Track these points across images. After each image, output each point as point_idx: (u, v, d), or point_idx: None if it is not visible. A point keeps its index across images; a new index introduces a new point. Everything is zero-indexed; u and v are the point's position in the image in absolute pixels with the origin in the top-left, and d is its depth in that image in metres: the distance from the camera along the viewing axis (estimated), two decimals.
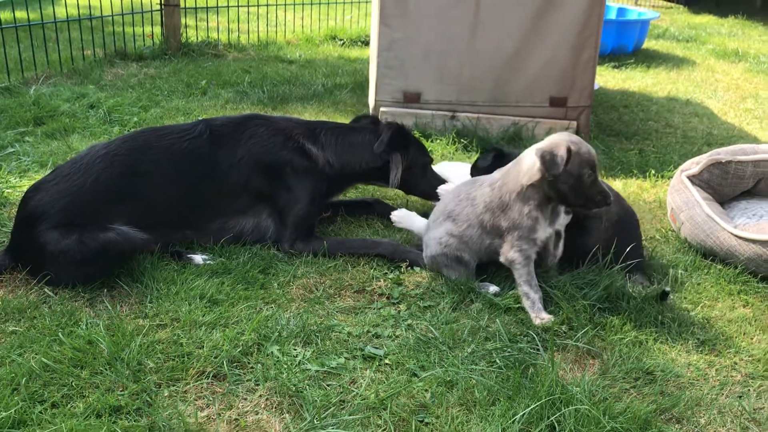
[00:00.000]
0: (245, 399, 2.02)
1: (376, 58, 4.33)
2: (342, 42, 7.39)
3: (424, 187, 3.17)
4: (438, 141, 4.25)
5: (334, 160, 2.95)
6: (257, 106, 4.93)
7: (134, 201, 2.67)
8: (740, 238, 2.75)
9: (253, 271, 2.66)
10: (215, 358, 2.15)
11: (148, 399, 1.98)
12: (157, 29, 6.40)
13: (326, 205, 3.12)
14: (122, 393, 1.98)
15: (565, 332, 2.38)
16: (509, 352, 2.25)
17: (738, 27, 10.10)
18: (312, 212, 2.89)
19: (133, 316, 2.37)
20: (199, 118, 3.33)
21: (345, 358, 2.21)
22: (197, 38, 6.66)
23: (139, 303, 2.45)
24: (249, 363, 2.16)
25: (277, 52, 6.75)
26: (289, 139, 2.88)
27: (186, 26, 6.77)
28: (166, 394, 2.00)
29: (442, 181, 3.16)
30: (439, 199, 2.94)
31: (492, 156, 3.09)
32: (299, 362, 2.17)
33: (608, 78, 6.50)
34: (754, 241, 2.69)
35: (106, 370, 2.07)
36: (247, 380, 2.09)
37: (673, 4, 12.13)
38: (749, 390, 2.14)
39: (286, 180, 2.85)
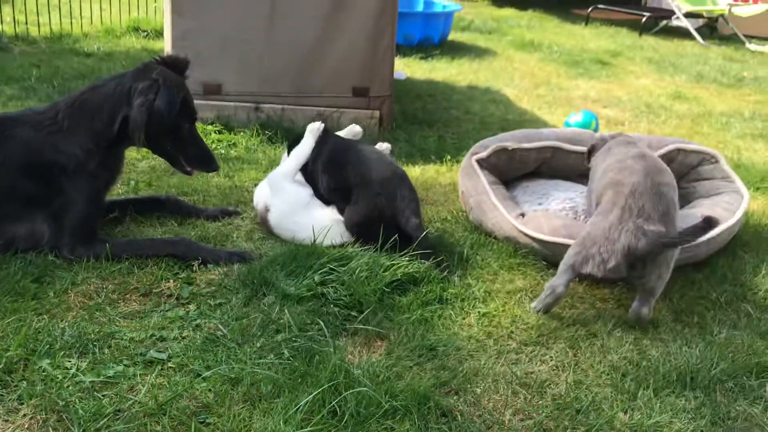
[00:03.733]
0: (6, 420, 1.84)
1: (171, 49, 4.15)
2: (146, 33, 7.03)
3: (174, 149, 2.83)
4: (242, 133, 4.16)
5: (88, 142, 2.65)
6: (45, 102, 4.55)
7: None
8: (521, 232, 2.91)
9: (24, 281, 2.44)
10: None
11: None
12: None
13: (112, 203, 2.94)
14: None
15: (354, 316, 2.41)
16: (298, 342, 2.24)
17: (536, 20, 10.87)
18: (90, 213, 2.69)
19: None
20: None
21: (124, 365, 2.09)
22: None
23: None
24: (13, 381, 1.98)
25: (73, 45, 6.29)
26: (43, 139, 2.62)
27: None
28: None
29: (208, 154, 2.89)
30: (191, 173, 2.94)
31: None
32: (72, 375, 2.02)
33: (416, 69, 6.72)
34: (532, 238, 2.87)
35: None
36: (10, 399, 1.91)
37: None
38: (522, 356, 2.29)
39: (56, 183, 2.62)
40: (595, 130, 4.61)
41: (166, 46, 4.32)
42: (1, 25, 6.31)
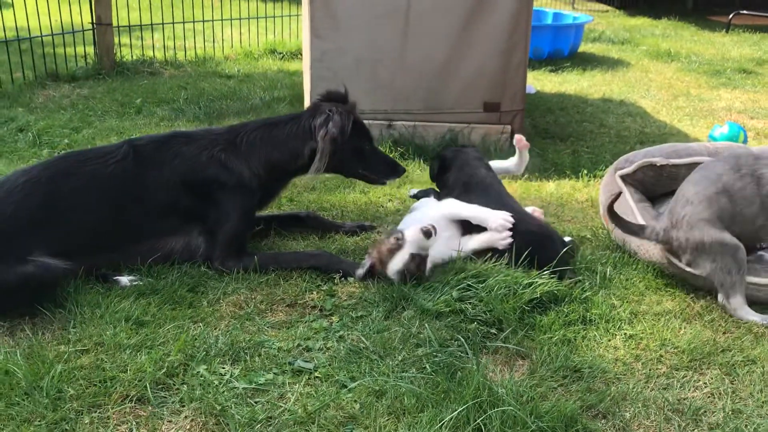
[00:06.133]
0: (170, 421, 1.97)
1: (309, 69, 4.33)
2: (281, 55, 7.37)
3: (364, 168, 3.09)
4: None
5: (259, 168, 2.88)
6: (193, 122, 4.88)
7: (56, 230, 2.59)
8: (670, 261, 2.76)
9: (181, 290, 2.61)
10: (139, 381, 2.09)
11: (67, 427, 1.91)
12: (90, 49, 6.27)
13: (258, 218, 3.09)
14: (39, 423, 1.91)
15: (494, 334, 2.39)
16: (439, 357, 2.24)
17: (671, 28, 10.41)
18: (242, 229, 2.85)
19: (56, 343, 2.29)
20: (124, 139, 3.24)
21: (274, 373, 2.18)
22: (132, 57, 6.56)
23: (62, 329, 2.38)
24: (174, 384, 2.11)
25: (215, 68, 6.69)
26: (213, 155, 2.82)
27: (120, 45, 6.66)
28: (86, 421, 1.94)
29: (392, 162, 3.15)
30: (385, 183, 3.14)
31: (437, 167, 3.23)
32: (227, 381, 2.13)
33: (545, 82, 6.61)
34: (681, 269, 2.71)
35: (23, 400, 1.99)
36: (172, 402, 2.04)
37: (609, 8, 12.44)
38: (674, 381, 2.18)
39: (214, 197, 2.80)
40: (744, 143, 4.34)
41: (304, 66, 4.50)
42: (153, 51, 6.81)
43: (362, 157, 3.05)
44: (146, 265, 2.76)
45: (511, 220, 2.78)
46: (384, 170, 3.12)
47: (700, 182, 2.66)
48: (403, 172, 3.14)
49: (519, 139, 3.37)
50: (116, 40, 6.39)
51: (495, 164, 3.37)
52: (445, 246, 2.79)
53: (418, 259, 2.62)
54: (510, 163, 3.46)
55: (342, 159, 2.96)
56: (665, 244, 2.70)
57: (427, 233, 2.60)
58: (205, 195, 2.80)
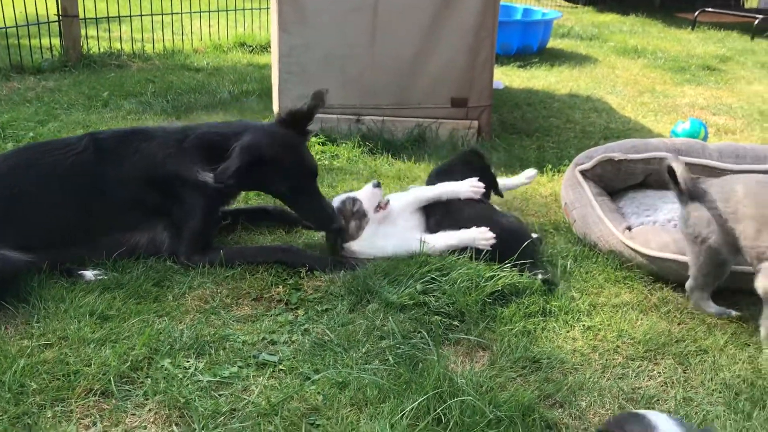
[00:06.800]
0: (134, 414, 1.98)
1: (277, 64, 4.33)
2: (251, 48, 7.33)
3: (300, 212, 2.97)
4: (344, 145, 4.27)
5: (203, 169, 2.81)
6: (161, 116, 4.85)
7: (17, 222, 2.59)
8: (628, 246, 2.86)
9: (146, 285, 2.61)
10: (103, 374, 2.10)
11: (30, 422, 1.92)
12: (56, 41, 6.19)
13: (225, 213, 3.09)
14: (1, 417, 1.91)
15: (456, 326, 2.44)
16: (402, 349, 2.28)
17: (638, 25, 10.55)
18: (207, 224, 2.86)
19: (18, 337, 2.29)
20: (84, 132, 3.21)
21: (238, 366, 2.20)
22: (99, 49, 6.49)
23: (25, 323, 2.37)
24: (139, 378, 2.12)
25: (184, 61, 6.64)
26: (176, 152, 2.81)
27: (87, 37, 6.58)
28: (49, 415, 1.95)
29: (323, 215, 2.87)
30: (331, 228, 2.89)
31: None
32: (191, 374, 2.15)
33: (514, 78, 6.68)
34: (638, 253, 2.81)
35: None
36: (136, 395, 2.05)
37: (578, 6, 12.57)
38: (629, 371, 2.25)
39: (178, 194, 2.80)
40: (704, 139, 4.44)
41: (272, 61, 4.50)
42: (120, 43, 6.74)
43: (284, 198, 2.93)
44: (111, 260, 2.76)
45: (481, 185, 2.90)
46: (310, 219, 2.99)
47: None
48: (332, 229, 2.91)
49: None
50: (83, 32, 6.31)
51: (502, 181, 3.33)
52: (409, 234, 2.86)
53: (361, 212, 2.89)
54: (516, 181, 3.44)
55: (265, 190, 3.00)
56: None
57: (376, 184, 2.92)
58: (167, 191, 2.79)
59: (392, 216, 2.95)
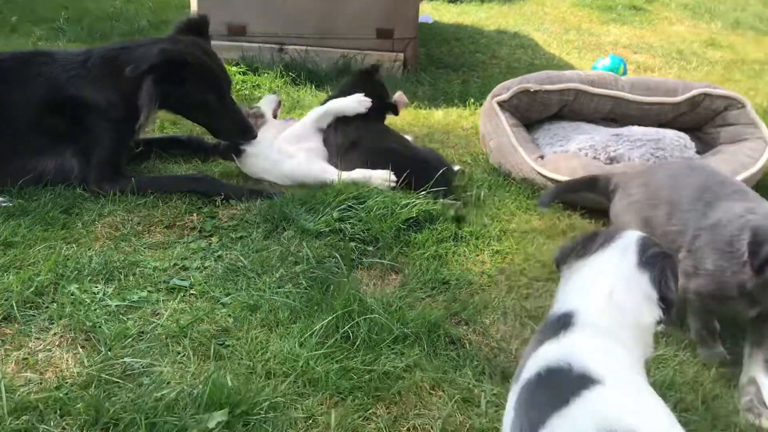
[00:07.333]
0: (37, 338, 1.96)
1: None
2: None
3: (218, 123, 2.89)
4: (266, 74, 4.19)
5: (112, 95, 2.71)
6: (74, 43, 4.63)
7: None
8: (540, 173, 2.93)
9: (54, 212, 2.54)
10: (6, 300, 2.06)
11: None
12: None
13: (137, 141, 3.01)
14: None
15: (371, 251, 2.47)
16: (315, 273, 2.31)
17: None
18: (117, 150, 2.77)
19: None
20: None
21: (148, 291, 2.19)
22: None
23: None
24: (44, 303, 2.09)
25: None
26: (79, 74, 2.69)
27: None
28: None
29: (243, 124, 2.89)
30: (253, 137, 2.88)
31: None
32: (99, 299, 2.12)
33: (443, 12, 6.64)
34: (548, 179, 2.89)
35: None
36: (42, 319, 2.02)
37: None
38: (533, 291, 2.34)
39: (84, 119, 2.70)
40: (624, 75, 4.55)
41: None
42: None
43: (205, 108, 2.83)
44: (17, 186, 2.66)
45: (368, 99, 3.03)
46: (229, 130, 2.90)
47: None
48: (252, 138, 2.89)
49: (400, 96, 3.36)
50: None
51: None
52: (306, 156, 2.93)
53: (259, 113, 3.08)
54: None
55: (180, 105, 2.82)
56: None
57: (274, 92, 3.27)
58: (74, 116, 2.69)
59: (288, 137, 3.03)
